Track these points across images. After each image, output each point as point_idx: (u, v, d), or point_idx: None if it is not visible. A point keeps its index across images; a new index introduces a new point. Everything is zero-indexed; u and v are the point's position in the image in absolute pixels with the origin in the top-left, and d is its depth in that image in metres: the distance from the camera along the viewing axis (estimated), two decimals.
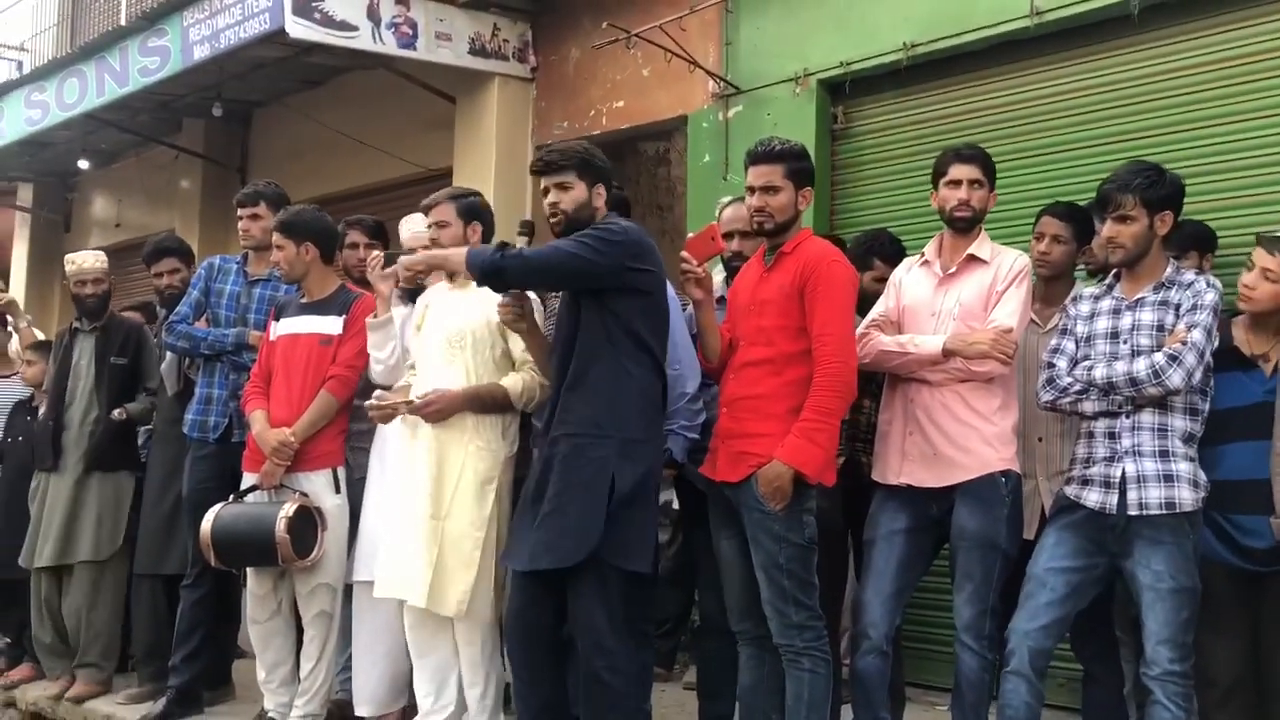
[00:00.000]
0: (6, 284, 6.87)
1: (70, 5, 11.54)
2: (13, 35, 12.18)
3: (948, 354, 3.41)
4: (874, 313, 3.71)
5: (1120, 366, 3.22)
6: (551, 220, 3.40)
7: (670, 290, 3.75)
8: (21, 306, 6.20)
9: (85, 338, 5.33)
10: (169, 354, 4.87)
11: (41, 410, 5.41)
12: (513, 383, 3.70)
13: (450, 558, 3.58)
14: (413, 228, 4.27)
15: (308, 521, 4.08)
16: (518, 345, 3.72)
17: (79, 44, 8.75)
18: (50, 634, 5.28)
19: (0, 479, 5.74)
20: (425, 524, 3.62)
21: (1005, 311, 3.41)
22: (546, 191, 3.40)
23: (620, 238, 3.28)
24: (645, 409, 3.34)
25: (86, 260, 5.38)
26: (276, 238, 4.31)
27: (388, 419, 3.84)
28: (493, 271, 3.26)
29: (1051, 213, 3.84)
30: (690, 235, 3.52)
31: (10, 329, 6.03)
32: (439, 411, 3.65)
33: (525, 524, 3.33)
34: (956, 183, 3.56)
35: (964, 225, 3.57)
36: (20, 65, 11.65)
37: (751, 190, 3.47)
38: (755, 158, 3.49)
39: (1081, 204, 3.92)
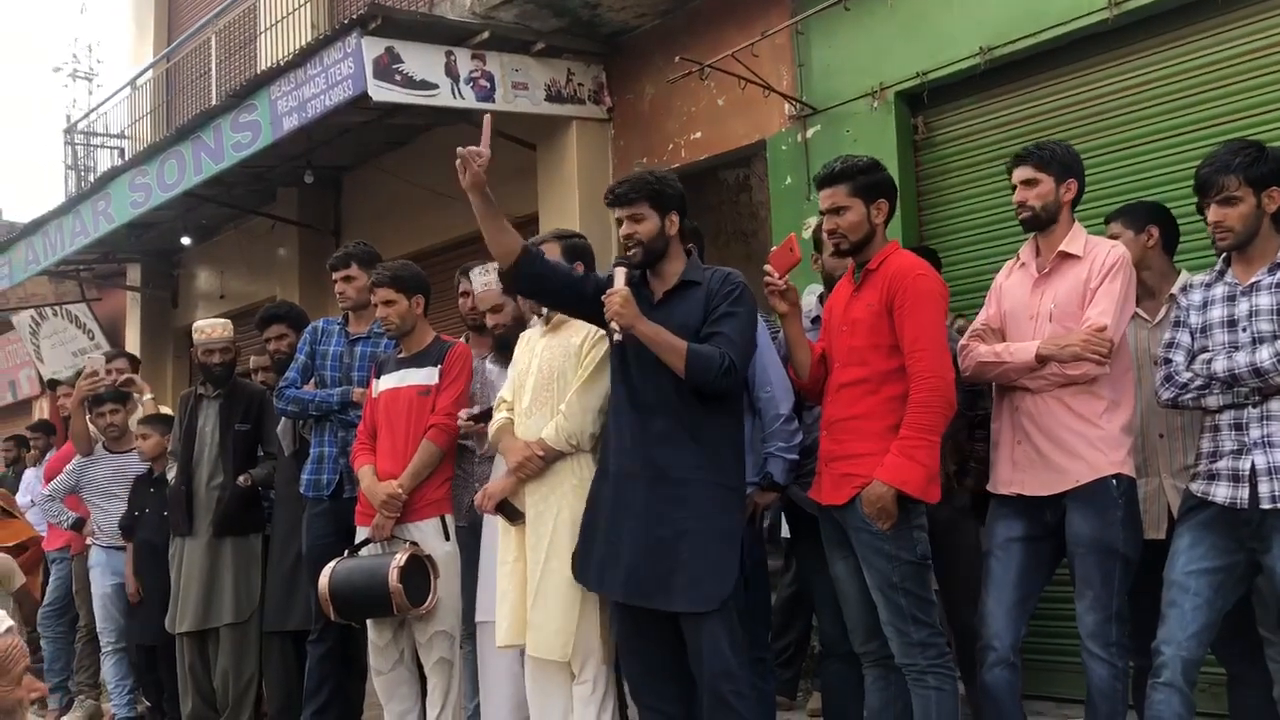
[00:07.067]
0: (138, 363, 7.12)
1: (165, 90, 12.04)
2: (114, 124, 12.73)
3: (1041, 360, 3.32)
4: (976, 322, 3.65)
5: (1242, 358, 3.08)
6: (629, 251, 3.43)
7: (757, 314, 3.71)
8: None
9: (210, 404, 5.52)
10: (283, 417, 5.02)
11: (170, 476, 5.59)
12: (550, 435, 3.62)
13: (553, 601, 3.53)
14: (485, 280, 4.31)
15: (420, 570, 4.14)
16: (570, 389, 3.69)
17: (175, 126, 9.10)
18: (193, 697, 5.43)
19: (133, 553, 5.94)
20: (527, 567, 3.62)
21: (1099, 309, 3.28)
22: (620, 223, 3.45)
23: (753, 308, 3.41)
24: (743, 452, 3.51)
25: (215, 329, 5.56)
26: (386, 292, 4.37)
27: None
28: (723, 381, 3.24)
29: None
30: (774, 249, 3.51)
31: (138, 401, 6.26)
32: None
33: (627, 552, 3.31)
34: (1014, 187, 3.52)
35: (1030, 226, 3.50)
36: (123, 152, 12.16)
37: (823, 214, 3.48)
38: (819, 182, 3.50)
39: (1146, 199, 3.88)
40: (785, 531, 4.39)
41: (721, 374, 3.22)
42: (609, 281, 3.38)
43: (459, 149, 3.31)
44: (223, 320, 5.77)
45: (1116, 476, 3.30)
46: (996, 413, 3.57)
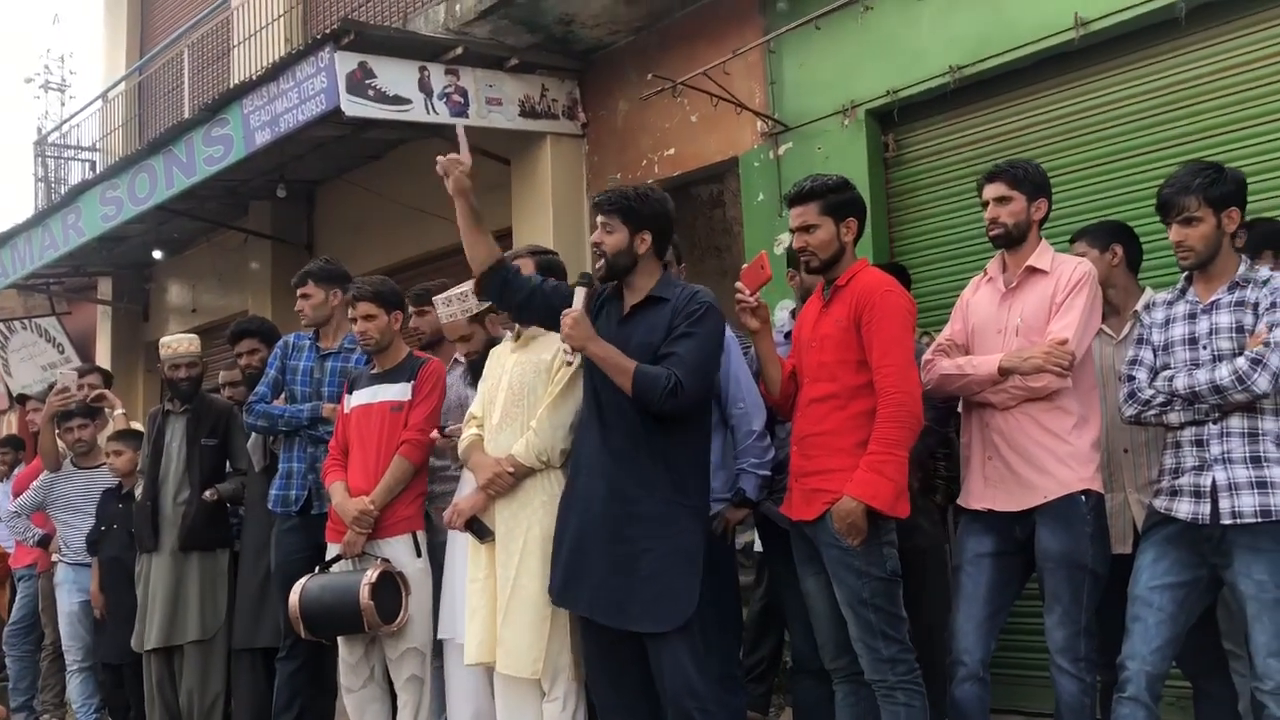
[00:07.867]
0: (111, 378, 7.06)
1: (137, 103, 11.98)
2: (85, 137, 12.64)
3: (1003, 372, 3.36)
4: (940, 337, 3.69)
5: (1202, 375, 3.13)
6: (595, 265, 3.48)
7: (729, 331, 3.74)
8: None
9: (176, 419, 5.49)
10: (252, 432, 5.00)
11: (138, 493, 5.54)
12: (520, 451, 3.62)
13: (522, 618, 3.52)
14: (450, 311, 4.21)
15: (391, 587, 4.13)
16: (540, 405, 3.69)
17: (147, 140, 9.05)
18: (160, 715, 5.38)
19: (100, 569, 5.88)
20: (496, 584, 3.60)
21: (1062, 323, 3.33)
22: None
23: (716, 329, 3.39)
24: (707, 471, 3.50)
25: (181, 344, 5.54)
26: (368, 307, 4.37)
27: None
28: (669, 402, 3.22)
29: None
30: (744, 266, 3.54)
31: (109, 416, 6.21)
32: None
33: (590, 569, 3.31)
34: (987, 204, 3.56)
35: (1001, 243, 3.55)
36: (94, 165, 12.08)
37: (793, 232, 3.50)
38: (789, 200, 3.54)
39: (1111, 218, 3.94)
40: (758, 546, 4.40)
41: (666, 394, 3.21)
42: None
43: (438, 157, 3.37)
44: (189, 335, 5.74)
45: (1085, 492, 3.34)
46: (966, 429, 3.60)
